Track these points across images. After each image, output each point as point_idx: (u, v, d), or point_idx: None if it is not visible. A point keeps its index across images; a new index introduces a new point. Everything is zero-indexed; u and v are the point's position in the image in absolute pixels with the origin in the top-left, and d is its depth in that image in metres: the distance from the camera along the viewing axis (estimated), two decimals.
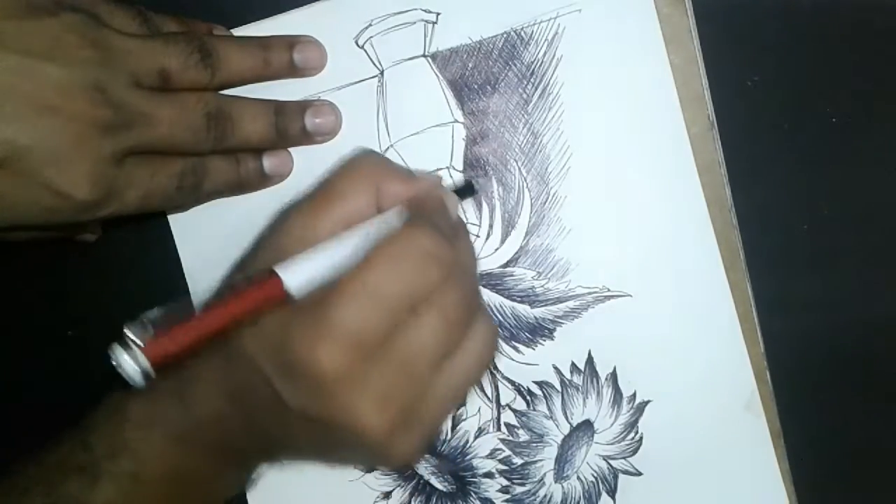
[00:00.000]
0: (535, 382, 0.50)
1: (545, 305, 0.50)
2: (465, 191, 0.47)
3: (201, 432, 0.41)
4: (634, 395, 0.50)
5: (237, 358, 0.38)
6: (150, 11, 0.46)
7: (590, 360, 0.50)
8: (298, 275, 0.37)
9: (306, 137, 0.49)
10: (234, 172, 0.48)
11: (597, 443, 0.51)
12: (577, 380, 0.50)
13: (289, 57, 0.48)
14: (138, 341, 0.34)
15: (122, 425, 0.42)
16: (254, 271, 0.39)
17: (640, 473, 0.51)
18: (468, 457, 0.51)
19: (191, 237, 0.51)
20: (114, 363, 0.34)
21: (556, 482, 0.51)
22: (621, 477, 0.51)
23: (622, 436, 0.50)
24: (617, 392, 0.50)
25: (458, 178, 0.49)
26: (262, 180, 0.50)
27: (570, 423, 0.51)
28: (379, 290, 0.36)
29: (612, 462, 0.51)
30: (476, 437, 0.51)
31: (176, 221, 0.51)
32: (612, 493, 0.51)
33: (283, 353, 0.37)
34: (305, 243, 0.39)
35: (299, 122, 0.49)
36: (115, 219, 0.45)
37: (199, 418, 0.41)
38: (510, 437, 0.51)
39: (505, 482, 0.51)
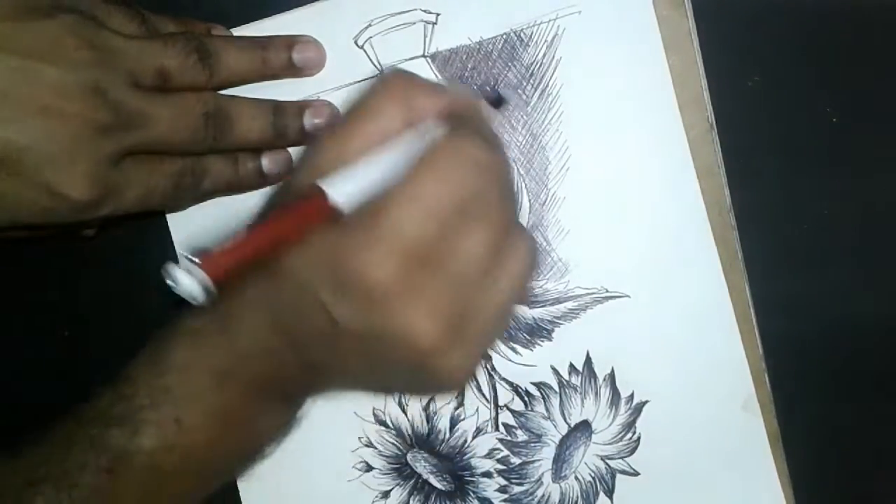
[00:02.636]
0: (533, 384, 0.51)
1: (543, 306, 0.50)
2: (497, 102, 0.47)
3: (247, 367, 0.40)
4: (632, 395, 0.50)
5: (284, 281, 0.38)
6: (148, 12, 0.46)
7: (588, 361, 0.50)
8: (342, 187, 0.37)
9: (305, 138, 0.49)
10: (233, 172, 0.48)
11: (595, 443, 0.51)
12: (576, 380, 0.50)
13: (288, 56, 0.48)
14: (195, 259, 0.33)
15: (164, 372, 0.41)
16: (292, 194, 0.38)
17: (637, 474, 0.51)
18: (466, 456, 0.51)
19: (190, 236, 0.51)
20: (170, 283, 0.34)
21: (553, 482, 0.51)
22: (619, 477, 0.51)
23: (620, 436, 0.51)
24: (615, 393, 0.50)
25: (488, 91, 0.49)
26: (261, 180, 0.50)
27: (567, 423, 0.51)
28: (429, 198, 0.36)
29: (609, 462, 0.51)
30: (474, 437, 0.51)
31: (174, 221, 0.51)
32: (609, 493, 0.51)
33: (333, 268, 0.37)
34: (342, 162, 0.38)
35: (298, 122, 0.49)
36: (114, 218, 0.45)
37: (244, 352, 0.40)
38: (508, 437, 0.51)
39: (503, 482, 0.51)
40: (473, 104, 0.42)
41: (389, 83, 0.40)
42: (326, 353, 0.40)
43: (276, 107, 0.48)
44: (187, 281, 0.34)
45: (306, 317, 0.38)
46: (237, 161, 0.49)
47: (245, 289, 0.39)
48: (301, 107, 0.49)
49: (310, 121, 0.49)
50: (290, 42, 0.49)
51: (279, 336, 0.40)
